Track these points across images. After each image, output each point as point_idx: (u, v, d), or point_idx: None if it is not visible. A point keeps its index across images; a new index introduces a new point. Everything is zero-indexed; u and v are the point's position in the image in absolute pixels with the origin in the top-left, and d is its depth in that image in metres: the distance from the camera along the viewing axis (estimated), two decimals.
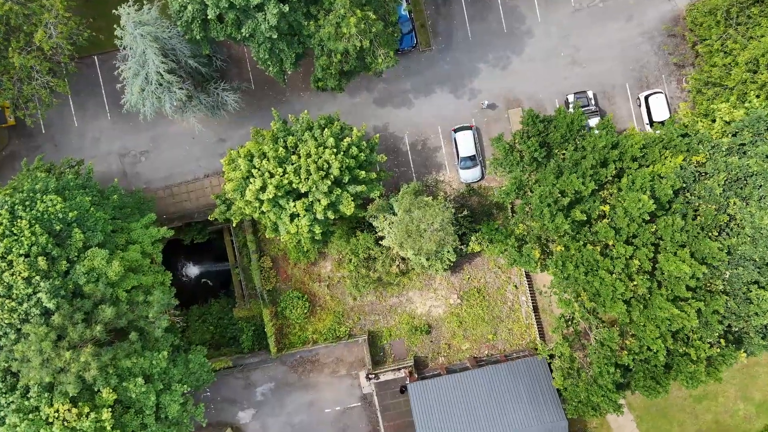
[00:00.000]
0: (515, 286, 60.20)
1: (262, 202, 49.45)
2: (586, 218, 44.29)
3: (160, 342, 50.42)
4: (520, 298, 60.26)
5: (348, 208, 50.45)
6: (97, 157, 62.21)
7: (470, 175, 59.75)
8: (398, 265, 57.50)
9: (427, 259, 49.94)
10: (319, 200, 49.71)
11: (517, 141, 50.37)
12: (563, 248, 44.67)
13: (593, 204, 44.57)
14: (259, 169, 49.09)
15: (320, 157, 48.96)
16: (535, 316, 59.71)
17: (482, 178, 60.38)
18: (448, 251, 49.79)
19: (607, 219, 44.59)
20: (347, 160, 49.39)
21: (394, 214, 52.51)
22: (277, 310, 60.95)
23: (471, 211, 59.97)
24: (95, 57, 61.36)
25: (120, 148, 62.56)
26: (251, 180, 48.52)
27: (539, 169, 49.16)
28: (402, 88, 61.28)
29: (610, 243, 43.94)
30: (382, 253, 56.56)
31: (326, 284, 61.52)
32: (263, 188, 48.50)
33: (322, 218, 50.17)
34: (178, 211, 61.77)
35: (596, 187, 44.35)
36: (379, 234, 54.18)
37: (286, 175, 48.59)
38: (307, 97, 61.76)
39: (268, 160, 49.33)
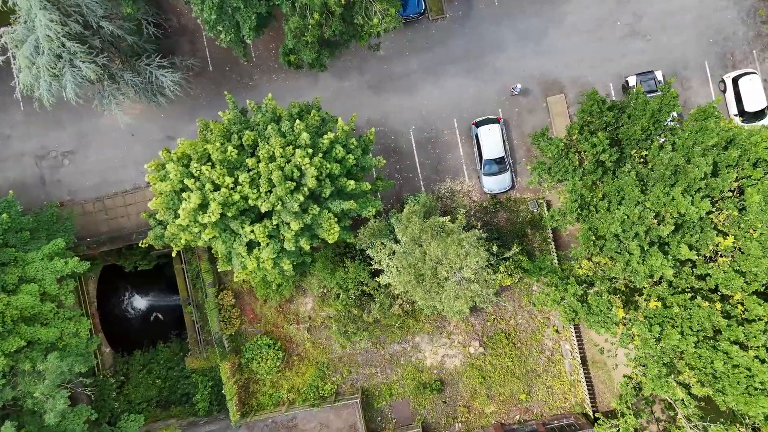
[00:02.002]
0: (556, 330, 42.84)
1: (205, 225, 32.01)
2: (695, 256, 26.84)
3: (63, 428, 33.06)
4: (562, 346, 42.92)
5: (330, 233, 33.21)
6: (8, 160, 44.82)
7: (496, 183, 42.40)
8: (401, 305, 40.17)
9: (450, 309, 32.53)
10: (287, 223, 32.37)
11: (574, 137, 32.91)
12: (659, 304, 27.33)
13: (704, 234, 27.10)
14: (197, 179, 31.67)
15: (288, 161, 31.63)
16: (583, 370, 42.35)
17: (512, 187, 42.99)
18: (484, 300, 32.35)
19: (726, 257, 27.15)
20: (328, 165, 32.22)
21: (397, 241, 35.09)
22: (241, 362, 43.61)
23: (497, 231, 42.61)
24: None
25: (37, 147, 45.30)
26: (186, 195, 31.07)
27: (604, 177, 31.73)
28: (406, 68, 43.86)
29: (735, 296, 26.67)
30: (379, 288, 39.22)
31: (306, 326, 44.18)
32: (204, 206, 31.07)
33: (293, 249, 32.77)
34: (113, 230, 44.42)
35: (709, 209, 26.83)
36: (376, 267, 36.71)
37: (239, 188, 31.28)
38: (281, 80, 44.32)
39: (212, 165, 31.95)
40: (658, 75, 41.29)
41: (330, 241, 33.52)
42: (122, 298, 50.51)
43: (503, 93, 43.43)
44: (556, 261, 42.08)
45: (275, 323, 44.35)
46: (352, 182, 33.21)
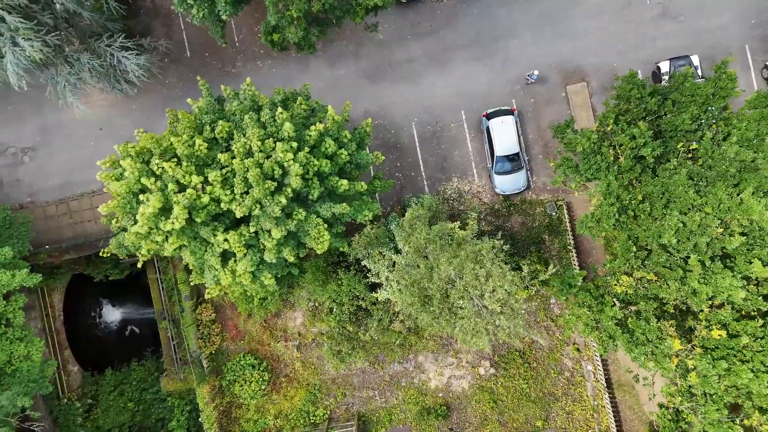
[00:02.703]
0: (577, 349, 37.18)
1: (169, 233, 26.37)
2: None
3: None
4: (584, 367, 37.26)
5: (319, 241, 27.55)
6: None
7: (510, 182, 36.74)
8: (403, 321, 34.51)
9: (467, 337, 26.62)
10: (268, 231, 26.74)
11: (609, 128, 27.17)
12: (723, 333, 21.65)
13: None
14: (159, 178, 26.01)
15: (269, 157, 26.03)
16: (608, 394, 36.68)
17: (527, 187, 37.31)
18: (512, 335, 26.41)
19: None
20: (316, 162, 26.65)
21: (398, 250, 29.42)
22: (222, 384, 37.96)
23: (511, 237, 36.99)
24: None
25: None
26: (144, 197, 25.39)
27: (643, 176, 26.07)
28: (408, 54, 38.22)
29: None
30: (377, 303, 33.60)
31: (295, 344, 38.53)
32: (166, 211, 25.41)
33: (275, 260, 27.11)
34: (78, 235, 38.79)
35: None
36: (374, 280, 31.03)
37: (209, 188, 25.66)
38: (267, 68, 38.66)
39: (178, 161, 26.32)
40: (695, 60, 35.58)
41: (319, 251, 27.87)
42: (93, 311, 44.86)
43: (517, 82, 37.74)
44: (577, 270, 36.43)
45: (260, 340, 38.70)
46: (344, 182, 27.59)
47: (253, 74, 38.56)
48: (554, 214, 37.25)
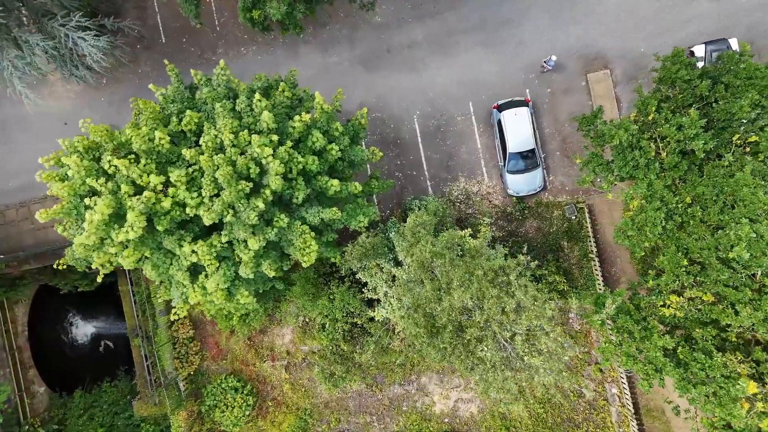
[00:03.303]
0: (599, 369, 32.49)
1: (127, 244, 21.77)
2: None
3: None
4: (608, 390, 32.64)
5: (305, 253, 22.93)
6: None
7: (524, 182, 32.12)
8: (404, 339, 29.87)
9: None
10: (243, 241, 22.14)
11: (650, 117, 22.47)
12: None
13: None
14: (111, 178, 21.39)
15: (243, 153, 21.40)
16: (635, 421, 32.02)
17: (543, 187, 32.67)
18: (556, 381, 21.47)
19: None
20: (301, 159, 22.05)
21: (398, 263, 24.77)
22: (201, 410, 33.32)
23: (526, 245, 32.31)
24: None
25: None
26: (92, 201, 20.75)
27: (689, 174, 21.39)
28: (408, 39, 33.62)
29: None
30: (374, 320, 28.98)
31: (284, 364, 33.90)
32: (119, 217, 20.80)
33: (252, 275, 22.46)
34: (40, 243, 34.16)
35: None
36: (370, 296, 26.40)
37: (172, 190, 21.04)
38: (251, 54, 34.02)
39: (136, 159, 21.72)
40: (733, 43, 30.90)
41: (304, 264, 23.24)
42: (63, 325, 40.25)
43: (531, 69, 33.10)
44: (600, 281, 31.83)
45: (245, 360, 34.07)
46: (335, 182, 22.96)
47: (236, 62, 33.97)
48: (574, 218, 32.63)
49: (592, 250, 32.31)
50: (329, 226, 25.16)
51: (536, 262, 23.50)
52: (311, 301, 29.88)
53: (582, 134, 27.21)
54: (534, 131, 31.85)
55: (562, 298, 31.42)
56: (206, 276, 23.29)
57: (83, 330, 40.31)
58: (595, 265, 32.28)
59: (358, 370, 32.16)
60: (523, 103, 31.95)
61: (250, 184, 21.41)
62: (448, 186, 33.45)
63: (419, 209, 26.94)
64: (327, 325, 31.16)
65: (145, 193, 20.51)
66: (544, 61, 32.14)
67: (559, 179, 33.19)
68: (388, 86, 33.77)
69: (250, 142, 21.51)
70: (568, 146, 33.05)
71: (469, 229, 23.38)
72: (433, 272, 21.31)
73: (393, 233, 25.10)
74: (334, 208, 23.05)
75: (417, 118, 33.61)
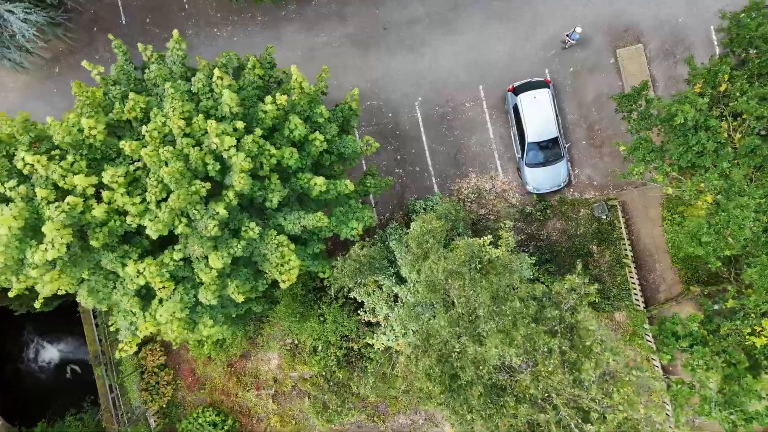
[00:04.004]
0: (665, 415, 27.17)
1: (54, 264, 16.63)
2: None
3: None
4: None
5: (284, 270, 17.78)
6: None
7: (546, 177, 27.09)
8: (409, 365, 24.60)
9: None
10: (205, 257, 16.97)
11: (722, 87, 17.28)
12: None
13: None
14: (27, 180, 16.28)
15: (199, 144, 16.23)
16: None
17: (568, 182, 27.57)
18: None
19: None
20: (275, 152, 16.85)
21: (401, 279, 19.61)
22: None
23: (548, 250, 27.35)
24: None
25: None
26: None
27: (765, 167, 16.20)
28: (408, 14, 28.57)
29: None
30: (373, 345, 23.86)
31: (270, 393, 28.80)
32: (37, 231, 15.66)
33: (215, 301, 17.30)
34: None
35: None
36: (366, 318, 21.24)
37: (107, 194, 15.88)
38: (226, 36, 28.97)
39: (62, 153, 16.58)
40: None
41: (283, 285, 18.15)
42: (24, 350, 35.15)
43: (551, 46, 28.01)
44: (638, 291, 26.75)
45: (225, 390, 28.99)
46: (319, 180, 17.89)
47: (208, 45, 28.92)
48: (604, 217, 27.53)
49: (626, 255, 27.21)
50: (315, 234, 20.08)
51: (595, 285, 18.26)
52: (298, 323, 24.81)
53: (621, 117, 22.09)
54: (556, 117, 26.75)
55: (593, 310, 26.42)
56: (158, 305, 18.19)
57: (47, 354, 35.26)
58: (630, 271, 27.19)
59: (356, 399, 27.15)
60: (543, 85, 26.85)
61: (208, 185, 16.33)
62: (456, 183, 28.36)
63: (425, 211, 21.93)
64: (319, 348, 26.15)
65: (68, 198, 15.43)
66: (567, 35, 27.02)
67: (585, 173, 28.10)
68: (385, 69, 28.68)
69: (206, 132, 16.43)
70: (595, 134, 27.96)
71: (489, 236, 18.30)
72: (447, 295, 16.20)
73: (394, 242, 20.03)
74: (319, 213, 17.96)
75: (419, 105, 28.51)
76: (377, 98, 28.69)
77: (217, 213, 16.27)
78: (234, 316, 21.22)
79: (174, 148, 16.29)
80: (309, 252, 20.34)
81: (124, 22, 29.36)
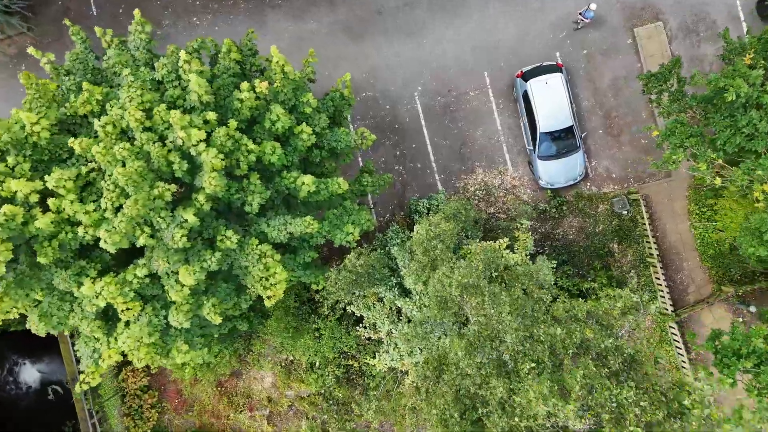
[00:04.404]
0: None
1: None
2: None
3: None
4: None
5: (269, 285, 15.03)
6: None
7: (560, 170, 24.47)
8: (415, 381, 21.92)
9: None
10: (174, 272, 14.24)
11: None
12: None
13: None
14: None
15: (162, 139, 13.49)
16: None
17: (585, 175, 24.90)
18: None
19: None
20: (253, 147, 14.07)
21: (405, 291, 16.88)
22: None
23: (565, 251, 24.73)
24: None
25: None
26: None
27: None
28: None
29: None
30: (374, 359, 21.13)
31: (265, 414, 26.16)
32: None
33: (187, 323, 14.58)
34: None
35: None
36: (366, 335, 18.53)
37: (54, 201, 13.13)
38: (206, 25, 26.40)
39: (1, 156, 13.90)
40: None
41: (268, 302, 15.49)
42: (3, 369, 32.46)
43: (561, 26, 25.35)
44: (666, 293, 24.10)
45: (215, 412, 26.33)
46: (308, 179, 15.24)
47: (186, 35, 26.29)
48: (625, 212, 24.87)
49: (651, 253, 24.54)
50: (306, 241, 17.43)
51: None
52: (292, 339, 22.15)
53: (647, 100, 19.43)
54: (570, 104, 24.08)
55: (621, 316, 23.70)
56: (124, 328, 15.53)
57: (27, 375, 32.62)
58: (656, 271, 24.52)
59: (358, 418, 24.51)
60: (555, 69, 24.17)
61: (173, 188, 13.67)
62: (461, 180, 25.69)
63: (429, 211, 19.30)
64: (317, 364, 23.51)
65: (4, 208, 12.77)
66: (580, 13, 24.36)
67: (603, 165, 25.45)
68: (381, 58, 26.02)
69: (169, 126, 13.78)
70: (613, 122, 25.31)
71: (506, 239, 15.65)
72: (461, 311, 13.44)
73: (395, 248, 17.37)
74: (308, 218, 15.28)
75: (419, 95, 25.85)
76: (373, 89, 26.04)
77: (186, 221, 13.62)
78: (216, 336, 18.55)
79: (133, 144, 13.64)
80: (299, 261, 17.68)
81: (95, 13, 26.72)
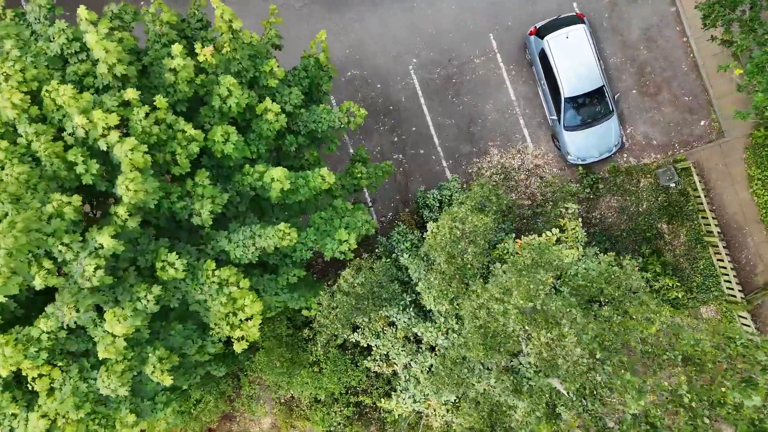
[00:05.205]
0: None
1: None
2: None
3: None
4: None
5: (237, 322, 10.44)
6: None
7: (592, 141, 20.03)
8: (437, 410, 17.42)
9: None
10: (99, 321, 9.63)
11: None
12: None
13: None
14: None
15: (61, 132, 8.88)
16: None
17: (620, 145, 20.39)
18: None
19: None
20: (194, 133, 9.46)
21: (423, 312, 12.38)
22: None
23: (605, 235, 20.24)
24: None
25: None
26: None
27: None
28: None
29: None
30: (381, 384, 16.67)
31: None
32: None
33: (125, 390, 10.07)
34: None
35: None
36: (376, 368, 14.00)
37: None
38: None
39: None
40: None
41: (238, 348, 11.07)
42: None
43: None
44: (732, 276, 19.68)
45: None
46: (277, 173, 10.89)
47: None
48: (673, 185, 20.45)
49: (710, 231, 20.09)
50: (287, 256, 13.02)
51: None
52: (285, 375, 17.73)
53: (710, 37, 14.99)
54: (598, 60, 19.64)
55: (675, 310, 19.34)
56: (52, 392, 11.12)
57: None
58: (717, 252, 20.09)
59: None
60: (576, 20, 19.74)
61: (76, 201, 9.26)
62: (474, 164, 21.27)
63: (440, 204, 14.91)
64: (322, 398, 19.11)
65: None
66: None
67: (641, 131, 21.02)
68: (365, 29, 21.60)
69: (60, 107, 9.37)
70: (648, 79, 20.89)
71: (556, 229, 11.30)
72: (516, 342, 9.03)
73: (406, 256, 12.97)
74: (282, 225, 10.89)
75: (414, 69, 21.43)
76: (360, 67, 21.60)
77: (101, 246, 9.22)
78: (186, 387, 14.11)
79: (14, 143, 9.25)
80: (282, 283, 13.26)
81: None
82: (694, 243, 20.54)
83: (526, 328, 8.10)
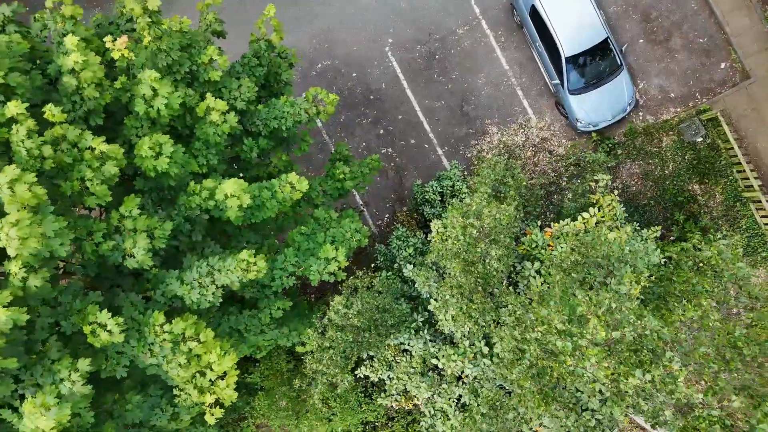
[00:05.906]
0: None
1: None
2: None
3: None
4: None
5: (211, 383, 7.65)
6: None
7: (601, 103, 17.36)
8: None
9: None
10: (37, 406, 6.87)
11: None
12: None
13: None
14: None
15: None
16: None
17: (635, 103, 17.68)
18: None
19: None
20: (115, 150, 6.64)
21: (440, 333, 9.74)
22: None
23: (631, 205, 17.53)
24: None
25: None
26: None
27: None
28: None
29: None
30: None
31: None
32: None
33: None
34: None
35: None
36: (389, 404, 11.29)
37: None
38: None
39: None
40: None
41: (210, 418, 8.37)
42: None
43: None
44: None
45: None
46: (230, 186, 8.12)
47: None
48: (700, 139, 17.81)
49: (749, 185, 17.44)
50: (265, 287, 10.40)
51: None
52: (294, 416, 15.09)
53: None
54: (596, 9, 17.00)
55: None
56: None
57: None
58: (761, 207, 17.45)
59: None
60: None
61: None
62: (473, 147, 18.63)
63: (442, 197, 12.33)
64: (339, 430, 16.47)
65: None
66: None
67: (655, 84, 18.35)
68: (332, 13, 18.96)
69: None
70: (655, 25, 18.23)
71: (594, 209, 8.76)
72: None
73: (410, 267, 10.35)
74: (243, 253, 8.24)
75: (391, 50, 18.77)
76: (331, 57, 18.96)
77: None
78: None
79: None
80: (266, 320, 10.63)
81: None
82: (732, 201, 17.89)
83: (611, 369, 5.56)
